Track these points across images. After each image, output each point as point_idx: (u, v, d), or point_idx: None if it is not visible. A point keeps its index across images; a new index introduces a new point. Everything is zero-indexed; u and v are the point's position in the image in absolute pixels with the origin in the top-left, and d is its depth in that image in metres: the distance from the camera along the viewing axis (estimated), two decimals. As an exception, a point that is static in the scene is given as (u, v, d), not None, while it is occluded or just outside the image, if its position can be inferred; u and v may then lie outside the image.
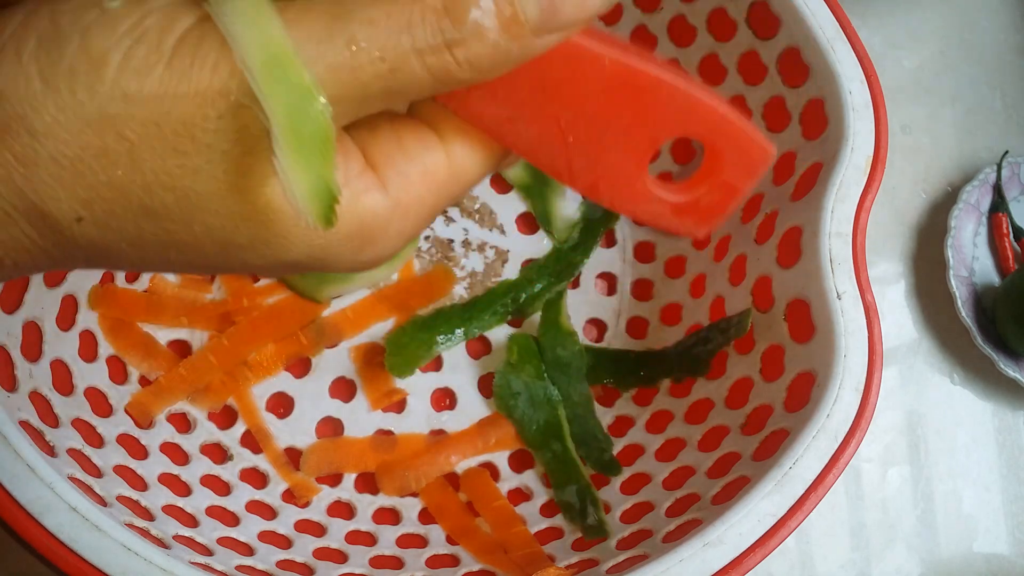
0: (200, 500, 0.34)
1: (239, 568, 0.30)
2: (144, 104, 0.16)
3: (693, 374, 0.39)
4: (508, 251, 0.44)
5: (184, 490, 0.34)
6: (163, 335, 0.39)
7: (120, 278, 0.39)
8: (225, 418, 0.39)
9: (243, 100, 0.16)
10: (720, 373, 0.38)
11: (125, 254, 0.18)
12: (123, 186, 0.17)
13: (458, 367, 0.42)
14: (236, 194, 0.17)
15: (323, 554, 0.35)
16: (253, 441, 0.39)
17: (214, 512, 0.34)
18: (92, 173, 0.16)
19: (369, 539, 0.37)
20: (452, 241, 0.43)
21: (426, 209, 0.19)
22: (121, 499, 0.30)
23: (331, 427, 0.40)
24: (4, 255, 0.17)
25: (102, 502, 0.28)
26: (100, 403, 0.35)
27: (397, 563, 0.35)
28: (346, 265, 0.19)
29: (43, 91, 0.16)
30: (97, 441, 0.33)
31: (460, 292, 0.43)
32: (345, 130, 0.18)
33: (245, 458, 0.38)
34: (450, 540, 0.38)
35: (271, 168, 0.17)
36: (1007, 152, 0.51)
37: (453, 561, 0.36)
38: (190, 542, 0.30)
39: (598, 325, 0.44)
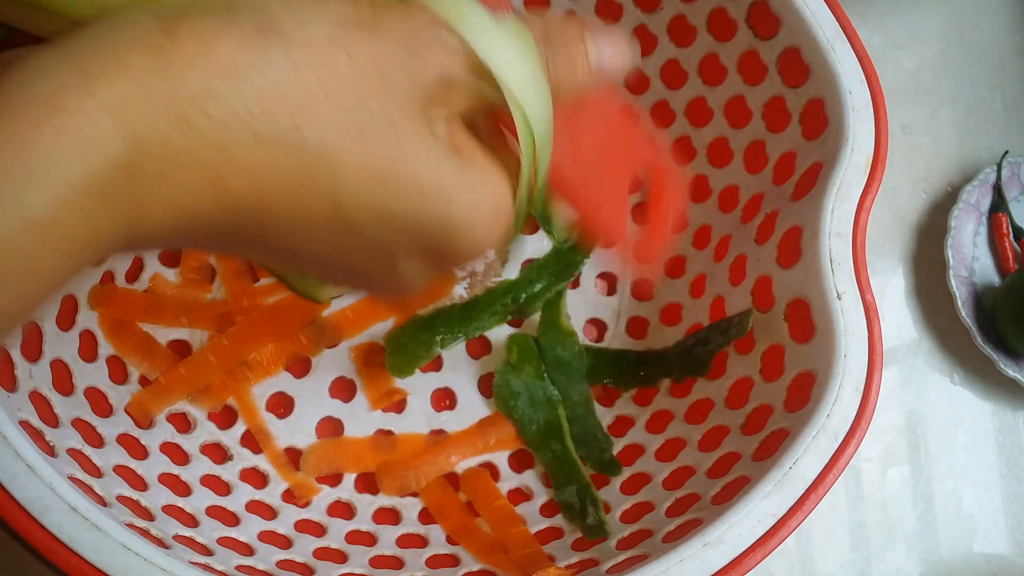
0: (200, 500, 0.34)
1: (239, 568, 0.30)
2: (365, 32, 0.19)
3: (693, 374, 0.39)
4: (508, 251, 0.44)
5: (184, 490, 0.34)
6: (163, 335, 0.39)
7: (120, 278, 0.39)
8: (225, 418, 0.39)
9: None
10: (720, 373, 0.38)
11: (322, 183, 0.19)
12: (341, 98, 0.18)
13: (458, 367, 0.42)
14: (410, 152, 0.19)
15: (323, 554, 0.35)
16: (253, 441, 0.39)
17: (214, 512, 0.34)
18: (316, 80, 0.18)
19: (369, 539, 0.37)
20: (452, 241, 0.43)
21: None
22: (121, 499, 0.30)
23: (331, 427, 0.40)
24: (221, 171, 0.18)
25: (102, 502, 0.28)
26: (100, 403, 0.35)
27: (397, 563, 0.35)
28: (472, 231, 0.21)
29: (294, 5, 0.18)
30: (97, 441, 0.33)
31: (460, 292, 0.43)
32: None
33: (245, 458, 0.38)
34: (450, 540, 0.38)
35: (440, 134, 0.20)
36: (1007, 152, 0.51)
37: (453, 561, 0.36)
38: (190, 542, 0.30)
39: (598, 325, 0.44)
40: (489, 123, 0.23)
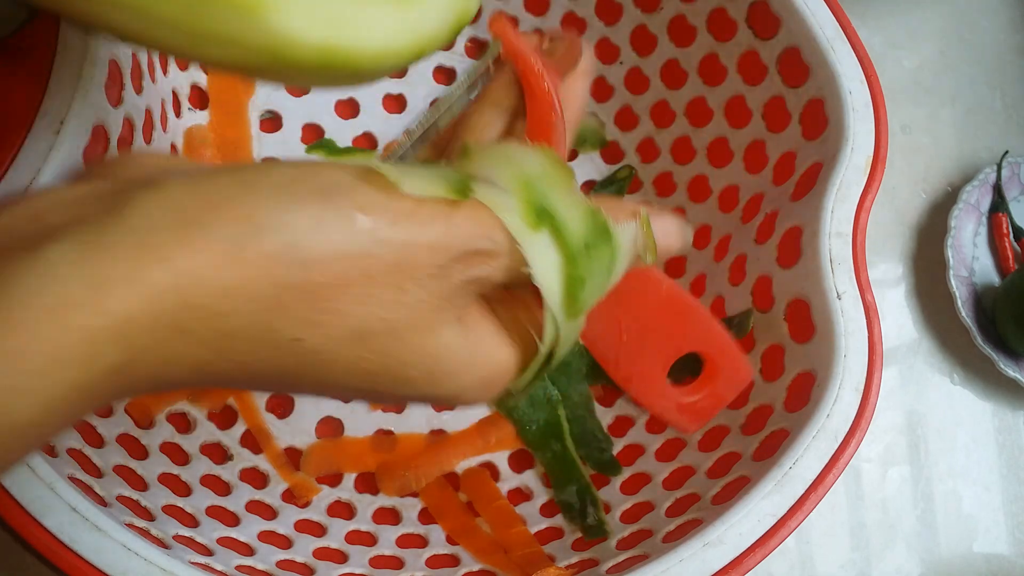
0: (200, 500, 0.34)
1: (239, 568, 0.30)
2: (389, 245, 0.19)
3: (693, 374, 0.39)
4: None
5: (184, 490, 0.34)
6: (163, 335, 0.39)
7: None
8: (225, 418, 0.39)
9: (466, 251, 0.20)
10: (720, 373, 0.38)
11: (318, 374, 0.20)
12: (349, 312, 0.19)
13: (458, 367, 0.42)
14: (427, 331, 0.20)
15: (323, 554, 0.35)
16: (253, 441, 0.39)
17: (214, 512, 0.34)
18: (330, 300, 0.19)
19: (369, 539, 0.37)
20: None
21: None
22: (121, 499, 0.30)
23: (331, 427, 0.40)
24: (218, 371, 0.19)
25: (102, 502, 0.28)
26: (100, 403, 0.35)
27: (397, 563, 0.35)
28: (469, 401, 0.23)
29: (315, 228, 0.18)
30: (97, 441, 0.33)
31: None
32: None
33: (245, 458, 0.38)
34: (450, 540, 0.38)
35: (456, 315, 0.21)
36: (1007, 152, 0.51)
37: (453, 561, 0.36)
38: (190, 542, 0.30)
39: (598, 325, 0.44)
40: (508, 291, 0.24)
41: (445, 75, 0.46)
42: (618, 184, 0.45)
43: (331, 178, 0.19)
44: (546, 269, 0.21)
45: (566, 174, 0.22)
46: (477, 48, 0.47)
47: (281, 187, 0.19)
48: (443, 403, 0.23)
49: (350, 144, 0.45)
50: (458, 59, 0.47)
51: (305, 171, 0.19)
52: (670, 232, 0.24)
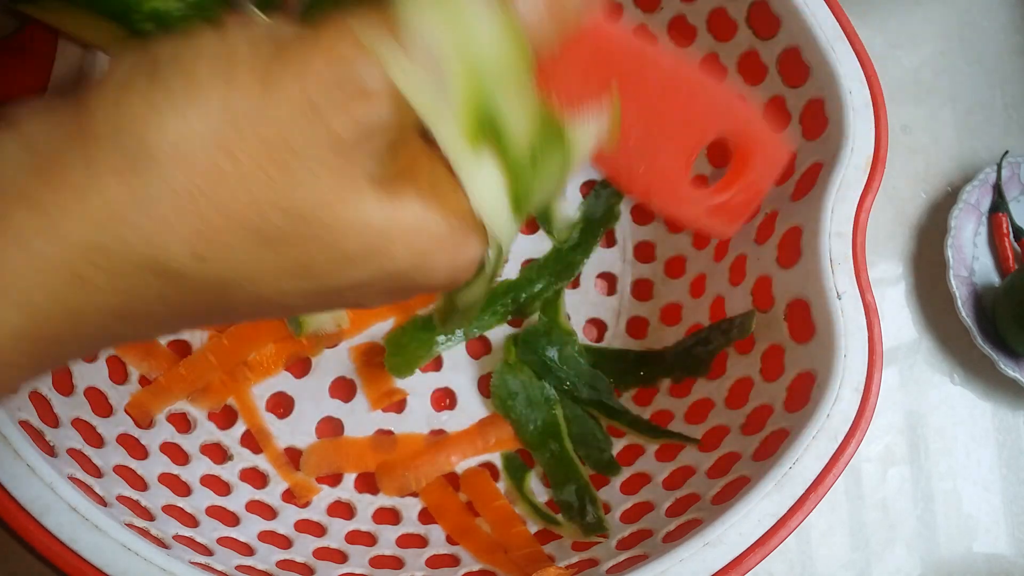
0: (200, 500, 0.34)
1: (239, 568, 0.30)
2: (251, 123, 0.17)
3: (693, 374, 0.39)
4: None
5: (184, 490, 0.34)
6: (163, 335, 0.39)
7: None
8: (225, 418, 0.39)
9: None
10: (720, 373, 0.38)
11: (245, 292, 0.18)
12: (236, 212, 0.17)
13: (458, 367, 0.42)
14: (342, 204, 0.17)
15: (323, 554, 0.35)
16: (253, 441, 0.39)
17: (214, 512, 0.34)
18: (206, 200, 0.17)
19: (369, 539, 0.37)
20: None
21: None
22: (121, 499, 0.30)
23: (331, 427, 0.40)
24: (136, 312, 0.18)
25: (102, 502, 0.28)
26: (100, 403, 0.35)
27: (397, 563, 0.35)
28: (443, 274, 0.20)
29: (160, 121, 0.16)
30: (97, 441, 0.33)
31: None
32: None
33: (245, 458, 0.38)
34: (450, 540, 0.38)
35: (366, 178, 0.18)
36: (1007, 152, 0.51)
37: (453, 561, 0.36)
38: (190, 542, 0.30)
39: (598, 325, 0.44)
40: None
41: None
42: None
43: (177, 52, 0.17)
44: (486, 194, 0.19)
45: (523, 54, 0.18)
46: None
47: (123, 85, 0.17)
48: (400, 288, 0.20)
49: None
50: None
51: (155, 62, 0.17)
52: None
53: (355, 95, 0.17)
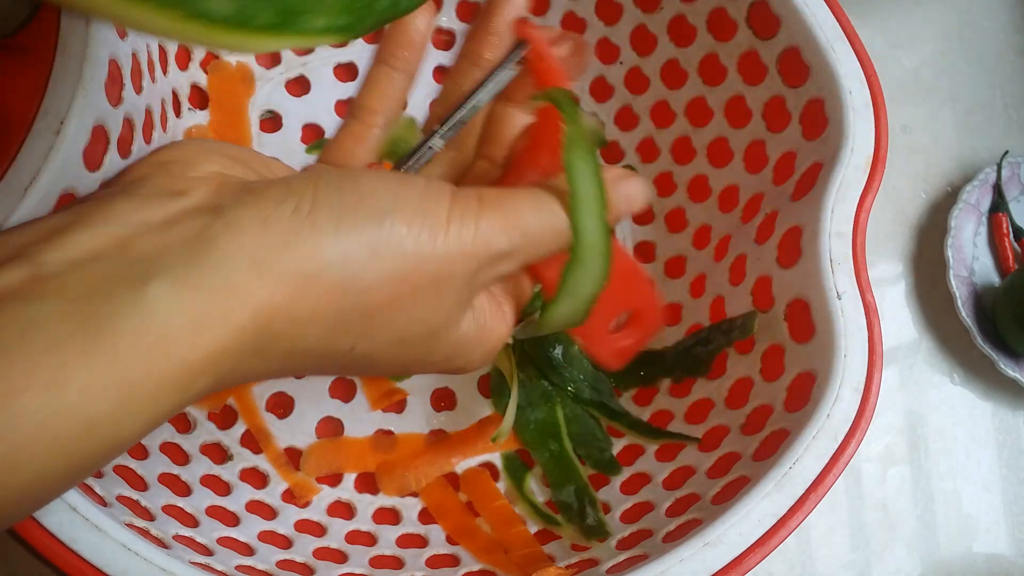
0: (200, 500, 0.34)
1: (239, 568, 0.30)
2: (432, 261, 0.22)
3: (693, 374, 0.39)
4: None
5: (184, 490, 0.34)
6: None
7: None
8: (225, 418, 0.39)
9: (491, 255, 0.24)
10: (720, 373, 0.38)
11: (370, 367, 0.24)
12: (396, 321, 0.23)
13: (458, 367, 0.42)
14: (453, 326, 0.24)
15: (323, 554, 0.35)
16: (253, 441, 0.39)
17: (214, 512, 0.34)
18: (382, 314, 0.22)
19: (369, 539, 0.37)
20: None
21: None
22: (121, 499, 0.30)
23: (331, 427, 0.40)
24: (289, 372, 0.23)
25: (102, 502, 0.28)
26: (100, 403, 0.35)
27: (397, 563, 0.35)
28: (473, 368, 0.27)
29: (371, 258, 0.21)
30: (97, 441, 0.33)
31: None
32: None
33: (245, 458, 0.38)
34: (450, 540, 0.38)
35: (470, 304, 0.25)
36: (1007, 152, 0.51)
37: (453, 561, 0.36)
38: (190, 542, 0.30)
39: (598, 325, 0.44)
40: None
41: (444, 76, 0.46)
42: (618, 184, 0.45)
43: (382, 203, 0.22)
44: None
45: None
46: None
47: (339, 218, 0.21)
48: (451, 372, 0.28)
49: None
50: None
51: (359, 195, 0.22)
52: (633, 197, 0.27)
53: (503, 257, 0.24)
